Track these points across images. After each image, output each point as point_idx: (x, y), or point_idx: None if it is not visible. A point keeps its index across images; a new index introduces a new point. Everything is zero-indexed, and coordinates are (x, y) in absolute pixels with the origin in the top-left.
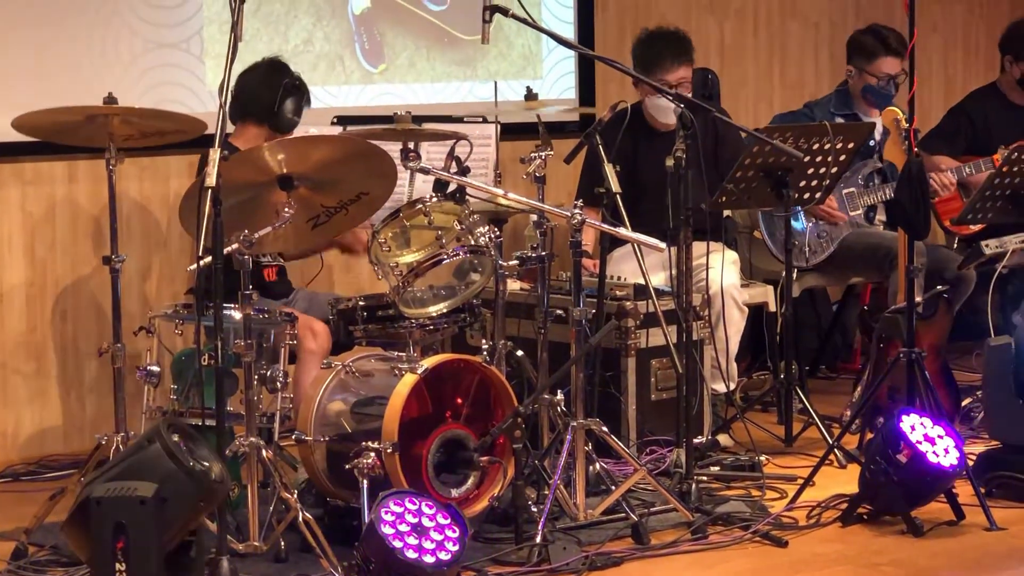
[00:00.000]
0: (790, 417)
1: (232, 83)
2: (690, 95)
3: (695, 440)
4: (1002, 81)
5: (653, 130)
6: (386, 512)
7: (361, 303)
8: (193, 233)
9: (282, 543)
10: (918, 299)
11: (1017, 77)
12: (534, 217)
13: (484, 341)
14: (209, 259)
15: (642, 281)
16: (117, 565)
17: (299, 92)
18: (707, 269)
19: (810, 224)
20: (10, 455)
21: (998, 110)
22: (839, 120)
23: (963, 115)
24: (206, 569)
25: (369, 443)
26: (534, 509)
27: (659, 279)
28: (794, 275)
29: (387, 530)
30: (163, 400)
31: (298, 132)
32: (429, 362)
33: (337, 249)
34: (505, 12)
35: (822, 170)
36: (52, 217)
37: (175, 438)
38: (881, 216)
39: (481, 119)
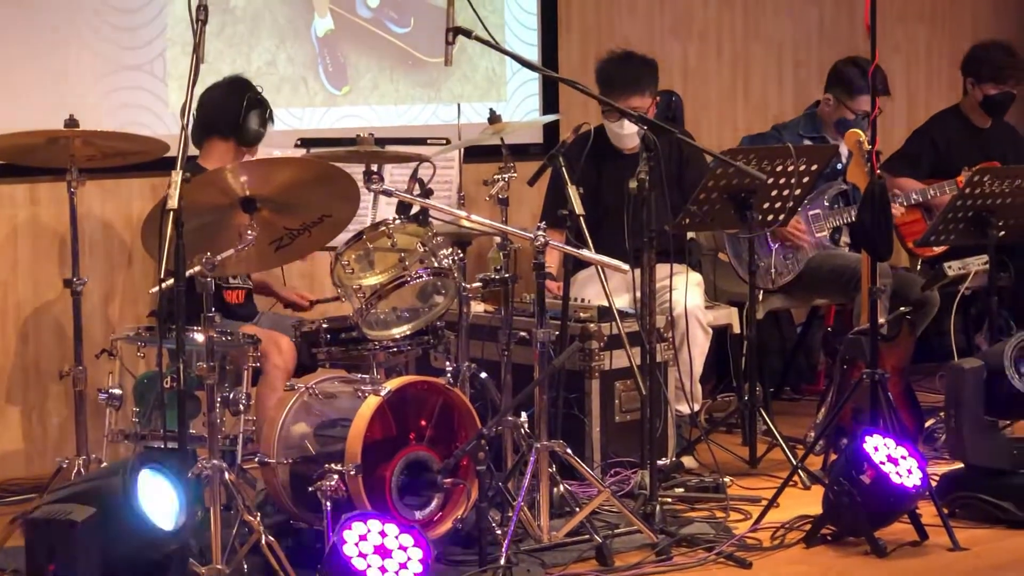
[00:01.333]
0: (754, 438)
1: (195, 103)
2: (653, 116)
3: (659, 462)
4: (964, 104)
5: (617, 152)
6: (349, 534)
7: (325, 326)
8: (155, 255)
9: (245, 566)
10: (881, 320)
11: (979, 100)
12: (498, 239)
13: (448, 363)
14: (171, 281)
15: (606, 303)
16: None
17: (262, 106)
18: (671, 291)
19: (776, 246)
20: None
21: (961, 132)
22: (807, 142)
23: (926, 137)
24: None
25: (332, 465)
26: (498, 531)
27: (623, 301)
28: (759, 297)
29: (350, 551)
30: (125, 423)
31: (261, 154)
32: (392, 384)
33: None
34: (468, 34)
35: (786, 192)
36: (14, 239)
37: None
38: (846, 238)
39: (445, 141)
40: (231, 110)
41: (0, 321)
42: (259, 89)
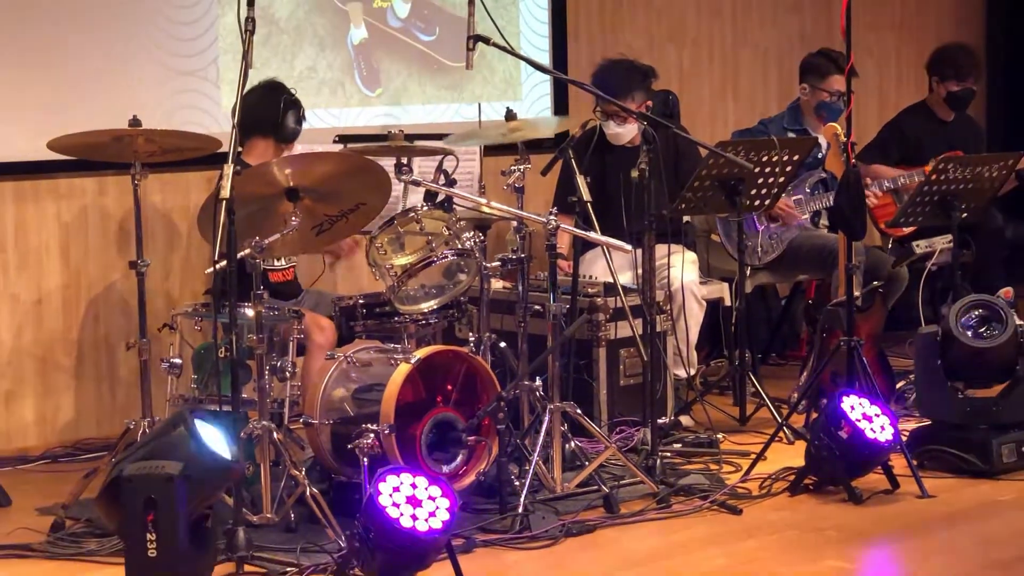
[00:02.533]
0: (744, 399)
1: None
2: (651, 112)
3: (659, 420)
4: (930, 99)
5: (620, 145)
6: (384, 486)
7: (361, 301)
8: (210, 240)
9: (292, 515)
10: (857, 293)
11: (943, 96)
12: (514, 223)
13: (471, 334)
14: (224, 263)
15: (611, 280)
16: (148, 535)
17: (296, 105)
18: (669, 268)
19: (762, 227)
20: (49, 439)
21: (926, 125)
22: (791, 135)
23: (896, 129)
24: (223, 538)
25: (369, 425)
26: (516, 483)
27: (626, 278)
28: (747, 273)
29: (385, 502)
30: (184, 389)
31: (303, 150)
32: (421, 353)
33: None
34: (487, 41)
35: (771, 180)
36: (85, 227)
37: (197, 424)
38: (825, 220)
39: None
40: (270, 111)
41: (74, 299)
42: (293, 91)
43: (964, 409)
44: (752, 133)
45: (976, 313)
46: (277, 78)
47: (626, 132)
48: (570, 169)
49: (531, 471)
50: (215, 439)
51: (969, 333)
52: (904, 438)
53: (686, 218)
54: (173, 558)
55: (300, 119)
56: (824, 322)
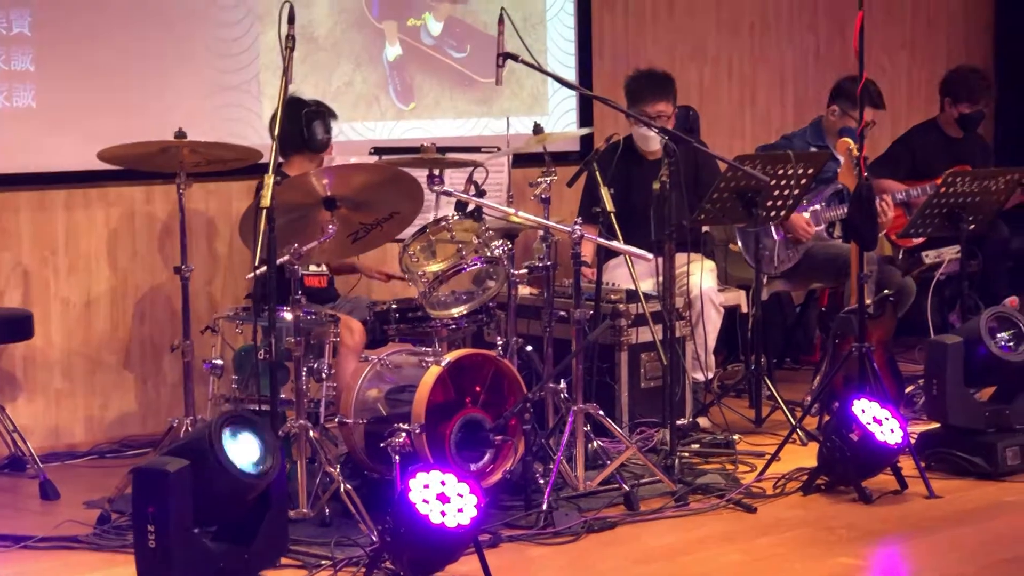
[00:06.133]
0: (759, 402)
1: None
2: (673, 127)
3: (678, 422)
4: (941, 118)
5: (642, 158)
6: (415, 483)
7: (394, 306)
8: (251, 246)
9: (327, 510)
10: (868, 301)
11: (955, 116)
12: (541, 232)
13: (499, 338)
14: (264, 268)
15: (633, 287)
16: (148, 527)
17: (320, 114)
18: (688, 276)
19: (779, 238)
20: (97, 436)
21: (936, 142)
22: (812, 149)
23: (906, 146)
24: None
25: (401, 425)
26: (541, 481)
27: (647, 285)
28: (763, 281)
29: (415, 498)
30: (226, 389)
31: (340, 161)
32: (451, 356)
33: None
34: (516, 58)
35: (786, 192)
36: (132, 233)
37: (225, 433)
38: (838, 231)
39: (496, 149)
40: (295, 127)
41: (120, 302)
42: (313, 100)
43: (983, 414)
44: (774, 148)
45: (1006, 328)
46: (296, 92)
47: (655, 138)
48: (594, 181)
49: (555, 470)
50: (241, 450)
51: (1000, 344)
52: (913, 441)
53: (705, 228)
54: (171, 550)
55: (328, 126)
56: (837, 329)
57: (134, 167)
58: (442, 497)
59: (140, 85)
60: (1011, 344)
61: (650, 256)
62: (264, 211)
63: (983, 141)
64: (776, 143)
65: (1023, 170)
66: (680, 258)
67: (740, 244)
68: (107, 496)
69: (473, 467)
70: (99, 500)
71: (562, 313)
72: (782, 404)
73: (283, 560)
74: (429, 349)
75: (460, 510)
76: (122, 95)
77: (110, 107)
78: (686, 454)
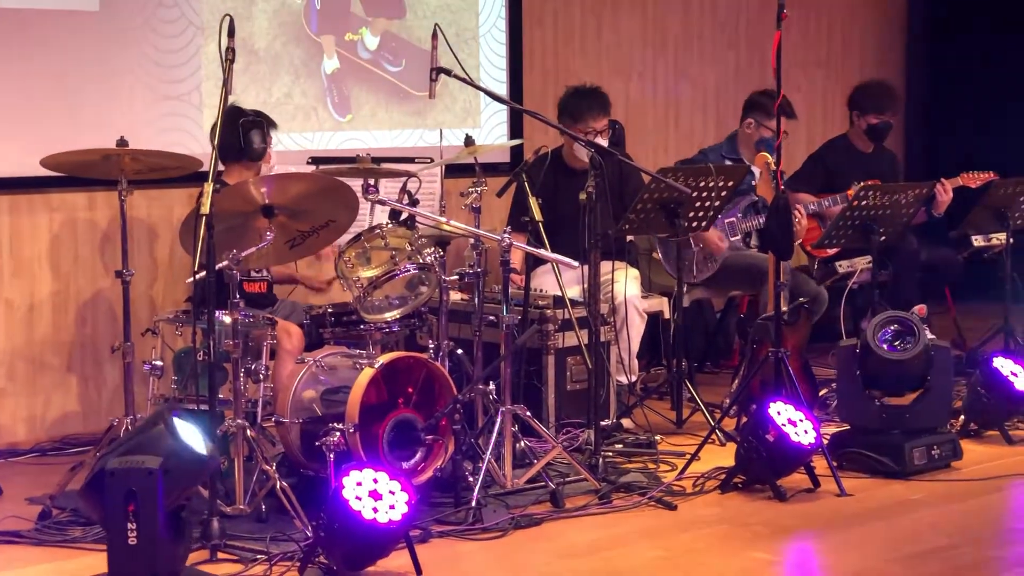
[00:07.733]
0: (680, 404)
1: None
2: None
3: (602, 422)
4: (851, 133)
5: (570, 170)
6: (348, 481)
7: (330, 310)
8: (191, 252)
9: (263, 507)
10: (784, 309)
11: (863, 128)
12: (471, 240)
13: (430, 341)
14: (204, 273)
15: (560, 293)
16: (128, 525)
17: (258, 124)
18: (613, 283)
19: (697, 248)
20: (39, 434)
21: (847, 156)
22: (728, 162)
23: (819, 161)
24: (198, 527)
25: (335, 424)
26: (470, 479)
27: (574, 291)
28: (685, 288)
29: (349, 495)
30: (165, 389)
31: (279, 170)
32: (384, 358)
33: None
34: (448, 73)
35: (707, 203)
36: (75, 238)
37: (175, 421)
38: (755, 241)
39: (429, 160)
40: (233, 138)
41: (63, 305)
42: (251, 111)
43: (880, 415)
44: (693, 162)
45: (892, 328)
46: (236, 102)
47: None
48: (523, 191)
49: (484, 468)
50: (192, 435)
51: (885, 346)
52: (825, 441)
53: (629, 238)
54: (152, 546)
55: (264, 135)
56: (754, 334)
57: (77, 174)
58: (374, 494)
59: (83, 94)
60: (897, 344)
61: (576, 264)
62: (204, 218)
63: (892, 155)
64: (693, 157)
65: (931, 184)
66: (605, 266)
67: (661, 253)
68: (48, 493)
69: (405, 465)
70: (41, 497)
71: (491, 318)
72: (702, 406)
73: (220, 555)
74: (363, 352)
75: (392, 507)
76: (65, 103)
77: (53, 115)
78: (610, 454)
